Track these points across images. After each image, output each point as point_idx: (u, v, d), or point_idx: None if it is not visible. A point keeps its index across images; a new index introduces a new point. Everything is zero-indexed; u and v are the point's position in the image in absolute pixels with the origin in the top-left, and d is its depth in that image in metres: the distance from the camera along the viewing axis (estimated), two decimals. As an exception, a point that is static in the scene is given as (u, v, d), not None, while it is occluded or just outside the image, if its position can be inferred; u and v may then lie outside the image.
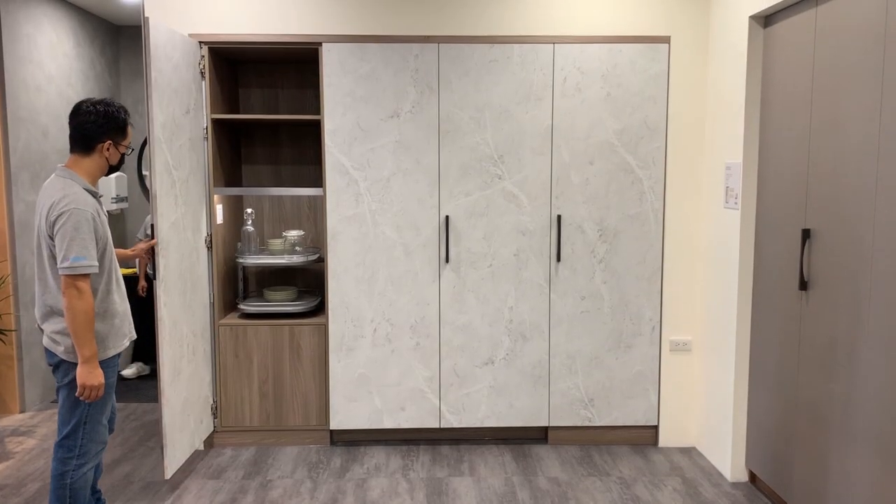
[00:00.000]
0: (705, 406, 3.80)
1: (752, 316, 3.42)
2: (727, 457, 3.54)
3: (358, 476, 3.58)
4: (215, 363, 3.87)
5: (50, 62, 4.88)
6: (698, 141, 3.79)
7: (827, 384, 2.80)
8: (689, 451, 3.89)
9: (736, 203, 3.43)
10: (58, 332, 2.65)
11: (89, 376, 2.60)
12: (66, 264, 2.52)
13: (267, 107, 4.27)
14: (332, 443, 3.97)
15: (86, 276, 2.56)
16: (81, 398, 2.63)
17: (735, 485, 3.50)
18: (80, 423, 2.70)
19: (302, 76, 4.23)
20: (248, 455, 3.82)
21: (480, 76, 3.70)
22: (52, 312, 2.66)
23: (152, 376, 5.23)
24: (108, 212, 5.55)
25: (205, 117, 3.72)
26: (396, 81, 3.68)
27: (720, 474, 3.60)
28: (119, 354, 2.81)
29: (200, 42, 3.67)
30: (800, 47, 2.99)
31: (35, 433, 4.17)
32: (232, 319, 3.90)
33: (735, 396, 3.47)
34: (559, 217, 3.78)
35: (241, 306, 3.95)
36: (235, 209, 4.23)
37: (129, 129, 2.81)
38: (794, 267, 3.01)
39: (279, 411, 3.90)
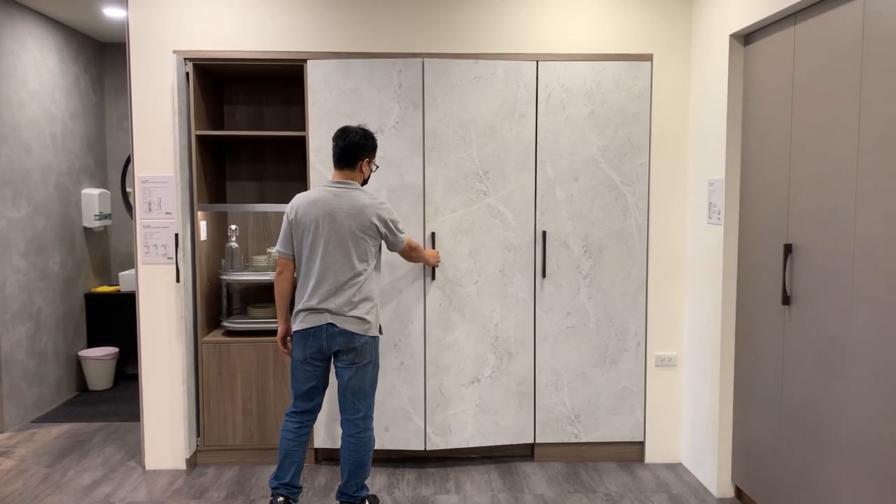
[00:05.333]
0: (691, 421, 3.80)
1: (737, 331, 3.43)
2: (713, 472, 3.54)
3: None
4: (198, 381, 3.83)
5: (34, 78, 4.86)
6: (681, 157, 3.83)
7: (811, 398, 2.81)
8: (676, 467, 3.88)
9: (719, 219, 3.46)
10: (367, 313, 3.11)
11: (431, 258, 3.61)
12: (403, 236, 3.25)
13: (252, 123, 4.27)
14: (317, 461, 3.93)
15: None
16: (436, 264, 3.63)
17: (721, 500, 3.49)
18: (375, 388, 3.22)
19: (287, 93, 4.24)
20: (232, 474, 3.77)
21: (465, 92, 3.71)
22: (364, 299, 3.11)
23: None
24: (90, 229, 5.52)
25: (189, 134, 3.71)
26: (381, 98, 3.69)
27: (706, 490, 3.60)
28: None
29: (185, 58, 3.67)
30: (779, 64, 3.03)
31: (14, 453, 4.09)
32: (215, 337, 3.87)
33: (720, 411, 3.48)
34: (544, 233, 3.80)
35: (225, 323, 3.92)
36: (219, 226, 4.21)
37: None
38: (777, 282, 3.03)
39: (263, 430, 3.86)
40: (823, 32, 2.73)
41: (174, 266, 3.75)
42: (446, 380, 3.80)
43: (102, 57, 5.84)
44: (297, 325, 3.14)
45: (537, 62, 3.74)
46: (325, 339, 3.09)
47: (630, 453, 3.96)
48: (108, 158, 5.91)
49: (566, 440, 3.91)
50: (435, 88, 3.69)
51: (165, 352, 3.79)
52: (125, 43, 3.73)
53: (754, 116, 3.26)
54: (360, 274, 3.10)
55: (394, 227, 3.19)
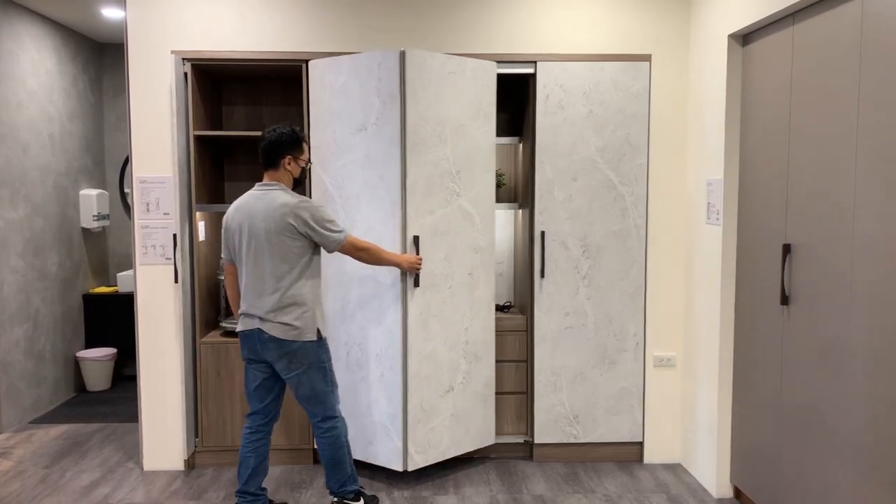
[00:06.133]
0: (690, 422, 3.81)
1: (735, 331, 3.43)
2: (712, 473, 3.54)
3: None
4: (197, 382, 3.82)
5: (32, 79, 4.85)
6: (680, 157, 3.83)
7: (810, 398, 2.81)
8: (675, 468, 3.88)
9: (718, 219, 3.46)
10: (295, 318, 3.00)
11: (405, 263, 3.36)
12: (338, 235, 3.07)
13: (250, 124, 4.26)
14: (316, 462, 3.92)
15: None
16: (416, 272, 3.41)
17: (720, 501, 3.49)
18: (329, 392, 3.12)
19: (286, 93, 4.23)
20: (230, 475, 3.77)
21: (442, 87, 3.54)
22: (292, 304, 3.00)
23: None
24: (88, 229, 5.51)
25: (187, 134, 3.71)
26: (362, 93, 3.54)
27: (705, 490, 3.60)
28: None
29: (184, 59, 3.67)
30: (778, 65, 3.04)
31: (12, 454, 4.09)
32: (214, 337, 3.86)
33: (719, 412, 3.48)
34: (543, 233, 3.79)
35: (224, 324, 3.91)
36: (218, 226, 4.20)
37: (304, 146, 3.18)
38: (776, 282, 3.03)
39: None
40: (822, 33, 2.73)
41: (172, 266, 3.74)
42: (426, 392, 3.58)
43: (100, 57, 5.84)
44: (237, 327, 3.15)
45: (536, 63, 3.74)
46: (258, 343, 3.05)
47: (629, 454, 3.96)
48: (107, 159, 5.91)
49: (565, 440, 3.91)
50: (416, 81, 3.44)
51: (164, 352, 3.79)
52: (123, 43, 3.73)
53: (753, 116, 3.26)
54: (282, 278, 3.00)
55: (318, 226, 3.03)
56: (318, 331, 3.08)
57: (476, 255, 3.70)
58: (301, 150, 3.15)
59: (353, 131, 3.56)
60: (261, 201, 3.04)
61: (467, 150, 3.64)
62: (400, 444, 3.56)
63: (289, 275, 3.01)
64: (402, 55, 3.40)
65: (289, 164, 3.11)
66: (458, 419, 3.72)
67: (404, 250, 3.47)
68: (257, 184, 3.12)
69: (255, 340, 3.06)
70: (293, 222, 2.99)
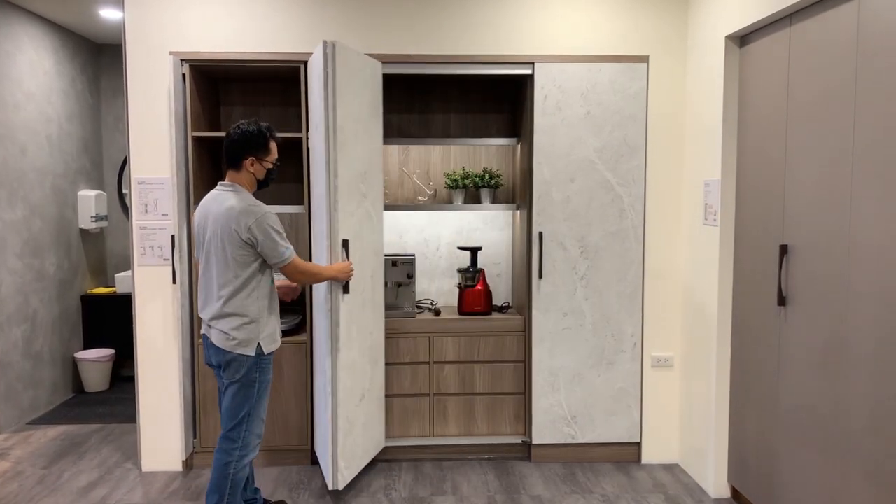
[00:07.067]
0: (687, 422, 3.81)
1: (733, 331, 3.44)
2: (709, 473, 3.54)
3: (340, 497, 3.54)
4: (194, 382, 3.82)
5: (29, 80, 4.85)
6: (677, 158, 3.83)
7: (807, 398, 2.81)
8: (672, 468, 3.89)
9: (715, 220, 3.47)
10: (234, 328, 2.86)
11: (340, 273, 3.16)
12: (284, 252, 2.90)
13: (248, 125, 4.25)
14: (313, 463, 3.92)
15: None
16: (345, 280, 3.20)
17: (717, 501, 3.49)
18: (246, 416, 2.92)
19: (284, 94, 4.23)
20: (228, 476, 3.76)
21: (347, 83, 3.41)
22: (233, 315, 2.86)
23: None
24: (87, 230, 5.51)
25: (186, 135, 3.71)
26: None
27: (702, 490, 3.60)
28: (273, 353, 3.03)
29: (182, 60, 3.67)
30: (775, 66, 3.04)
31: (10, 455, 4.08)
32: (212, 338, 3.86)
33: (716, 412, 3.48)
34: (541, 234, 3.80)
35: (222, 325, 3.91)
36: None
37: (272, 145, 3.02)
38: (773, 283, 3.04)
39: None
40: (819, 34, 2.74)
41: (170, 267, 3.74)
42: (349, 403, 3.42)
43: (99, 58, 5.84)
44: (278, 342, 3.06)
45: (533, 64, 3.75)
46: (206, 348, 3.00)
47: (627, 454, 3.96)
48: (105, 160, 5.90)
49: (563, 441, 3.91)
50: (343, 78, 3.29)
51: (162, 353, 3.79)
52: (122, 44, 3.73)
53: (750, 117, 3.27)
54: (224, 286, 2.86)
55: (261, 235, 2.82)
56: (259, 346, 2.90)
57: (375, 258, 3.64)
58: (267, 151, 2.97)
59: (314, 131, 3.48)
60: (215, 202, 2.92)
61: (371, 151, 3.58)
62: (331, 461, 3.36)
63: (231, 284, 2.85)
64: (333, 49, 3.20)
65: (251, 165, 2.94)
66: (367, 427, 3.62)
67: (332, 257, 3.25)
68: (219, 182, 3.01)
69: (205, 345, 3.00)
70: (236, 228, 2.82)
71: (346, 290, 3.30)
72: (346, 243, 3.30)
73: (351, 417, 3.43)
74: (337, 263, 3.22)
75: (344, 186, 3.29)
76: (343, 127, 3.28)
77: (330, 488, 3.39)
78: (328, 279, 3.18)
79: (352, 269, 3.27)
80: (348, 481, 3.46)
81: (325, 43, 3.20)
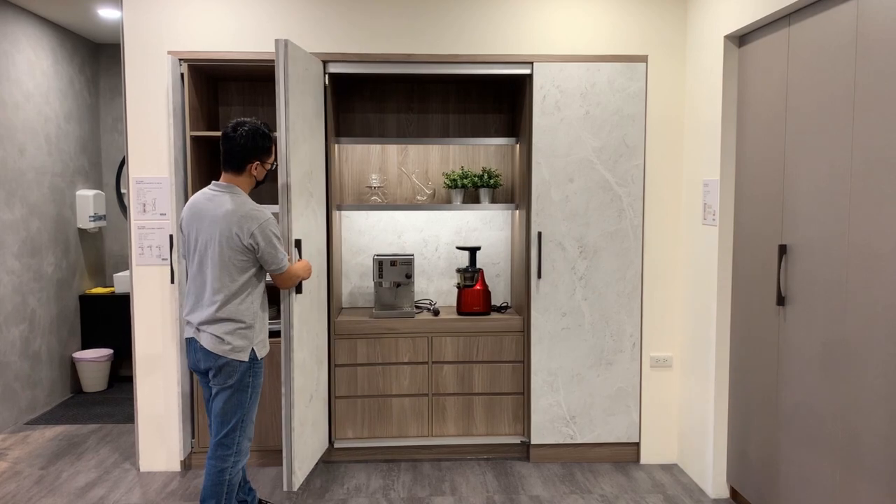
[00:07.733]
0: (686, 422, 3.81)
1: (732, 331, 3.44)
2: (708, 473, 3.54)
3: (338, 497, 3.54)
4: (193, 382, 3.82)
5: (28, 80, 4.84)
6: (676, 158, 3.83)
7: (806, 398, 2.81)
8: (671, 468, 3.88)
9: (714, 220, 3.47)
10: (227, 333, 2.80)
11: (307, 272, 3.11)
12: (283, 258, 2.89)
13: (247, 124, 4.25)
14: (312, 463, 3.92)
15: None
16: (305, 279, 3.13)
17: (716, 501, 3.49)
18: (239, 422, 2.88)
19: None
20: (227, 476, 3.76)
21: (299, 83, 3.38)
22: (228, 320, 2.81)
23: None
24: (85, 230, 5.50)
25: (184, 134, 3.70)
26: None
27: (701, 491, 3.60)
28: (264, 358, 2.99)
29: (180, 59, 3.66)
30: (774, 66, 3.04)
31: (7, 456, 4.07)
32: (210, 338, 3.85)
33: (715, 412, 3.48)
34: (539, 234, 3.80)
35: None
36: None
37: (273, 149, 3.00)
38: (772, 283, 3.04)
39: (258, 431, 3.84)
40: (817, 34, 2.74)
41: (169, 267, 3.74)
42: (301, 403, 3.35)
43: (97, 58, 5.83)
44: (267, 346, 3.01)
45: (532, 64, 3.74)
46: (193, 353, 2.89)
47: (626, 454, 3.96)
48: (103, 160, 5.90)
49: (562, 441, 3.91)
50: (293, 76, 3.24)
51: (160, 353, 3.78)
52: (120, 44, 3.72)
53: (749, 117, 3.27)
54: (220, 290, 2.79)
55: (264, 242, 2.81)
56: (253, 352, 2.87)
57: (319, 258, 3.60)
58: (270, 153, 2.95)
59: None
60: (211, 204, 2.84)
61: (315, 150, 3.54)
62: (285, 462, 3.28)
63: (228, 288, 2.80)
64: (286, 48, 3.14)
65: (255, 169, 2.92)
66: (316, 427, 3.59)
67: (292, 259, 3.17)
68: (213, 182, 2.93)
69: (191, 349, 2.90)
70: (238, 233, 2.78)
71: (298, 290, 3.22)
72: (298, 243, 3.23)
73: (304, 419, 3.38)
74: (300, 262, 3.15)
75: (295, 186, 3.23)
76: (294, 126, 3.21)
77: (285, 489, 3.31)
78: (299, 279, 3.11)
79: (309, 269, 3.21)
80: (301, 482, 3.38)
81: (277, 41, 3.13)
